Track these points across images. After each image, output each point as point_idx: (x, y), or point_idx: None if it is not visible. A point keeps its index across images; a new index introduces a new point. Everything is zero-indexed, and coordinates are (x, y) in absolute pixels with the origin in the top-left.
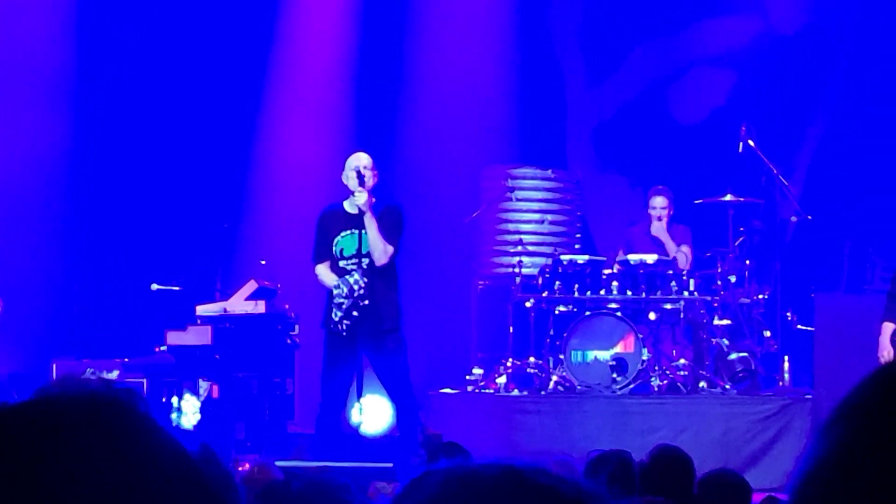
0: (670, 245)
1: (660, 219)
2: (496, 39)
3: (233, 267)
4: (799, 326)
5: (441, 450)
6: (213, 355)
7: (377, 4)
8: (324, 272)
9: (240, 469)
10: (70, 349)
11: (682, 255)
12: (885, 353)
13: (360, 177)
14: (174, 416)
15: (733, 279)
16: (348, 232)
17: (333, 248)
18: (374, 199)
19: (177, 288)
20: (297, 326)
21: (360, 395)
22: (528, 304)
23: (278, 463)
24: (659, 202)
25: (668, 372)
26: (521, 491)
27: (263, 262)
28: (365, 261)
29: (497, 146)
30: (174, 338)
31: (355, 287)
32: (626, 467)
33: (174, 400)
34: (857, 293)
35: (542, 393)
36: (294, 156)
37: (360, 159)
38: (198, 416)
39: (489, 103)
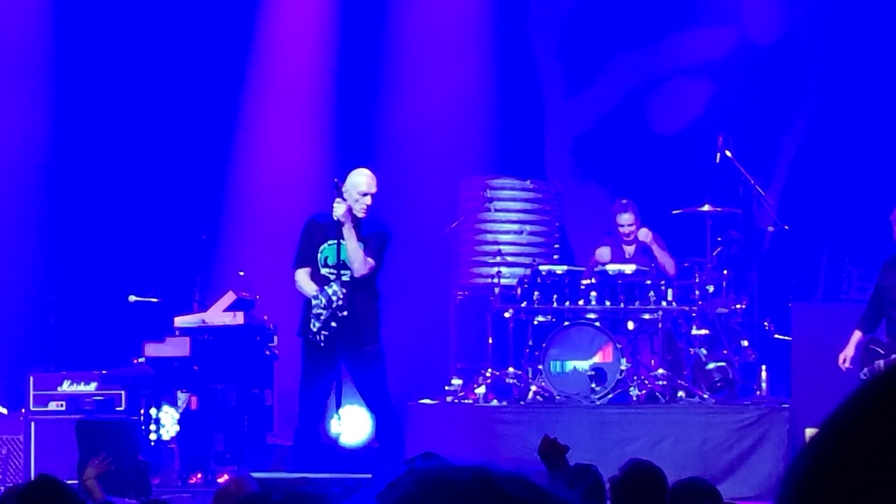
0: (663, 257)
1: (628, 235)
2: (475, 50)
3: (211, 278)
4: (776, 336)
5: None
6: (191, 367)
7: (356, 14)
8: (303, 279)
9: (218, 481)
10: (47, 361)
11: (670, 262)
12: (842, 356)
13: (338, 189)
14: (153, 427)
15: (711, 289)
16: (334, 241)
17: (318, 256)
18: (364, 216)
19: (155, 300)
20: (275, 337)
21: (338, 406)
22: (506, 315)
23: (257, 475)
24: (626, 219)
25: (646, 382)
26: (491, 497)
27: (242, 274)
28: (345, 272)
29: (475, 156)
30: (152, 349)
31: (334, 298)
32: (595, 480)
33: (153, 412)
34: (833, 302)
35: (521, 403)
36: (272, 167)
37: (353, 179)
38: (176, 428)
39: (468, 114)
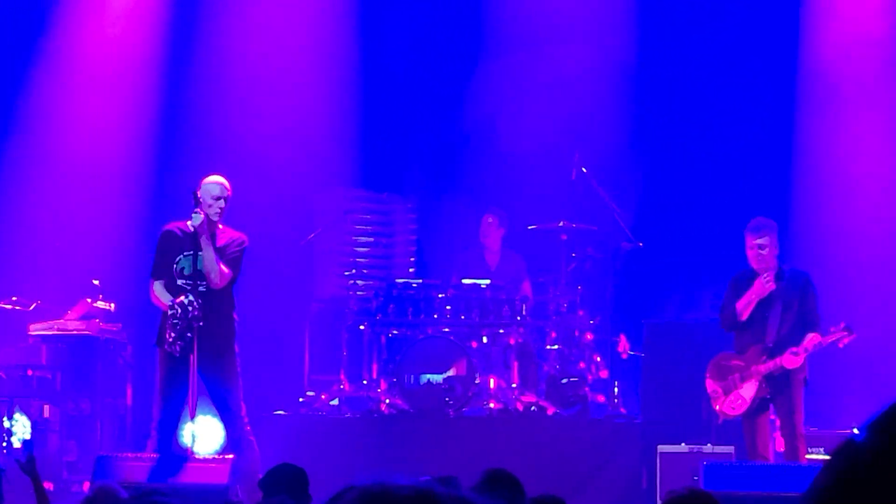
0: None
1: (488, 239)
2: (333, 60)
3: (65, 286)
4: (629, 352)
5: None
6: (45, 375)
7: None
8: (159, 290)
9: (80, 490)
10: None
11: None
12: None
13: (196, 199)
14: (4, 436)
15: (565, 305)
16: (190, 252)
17: (175, 267)
18: (220, 226)
19: (9, 306)
20: (129, 347)
21: (192, 417)
22: (361, 327)
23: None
24: (489, 220)
25: (500, 396)
26: None
27: (96, 282)
28: (201, 282)
29: (334, 169)
30: (5, 356)
31: (189, 308)
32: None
33: (4, 420)
34: (686, 320)
35: (375, 416)
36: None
37: (206, 185)
38: (29, 437)
39: (331, 124)
